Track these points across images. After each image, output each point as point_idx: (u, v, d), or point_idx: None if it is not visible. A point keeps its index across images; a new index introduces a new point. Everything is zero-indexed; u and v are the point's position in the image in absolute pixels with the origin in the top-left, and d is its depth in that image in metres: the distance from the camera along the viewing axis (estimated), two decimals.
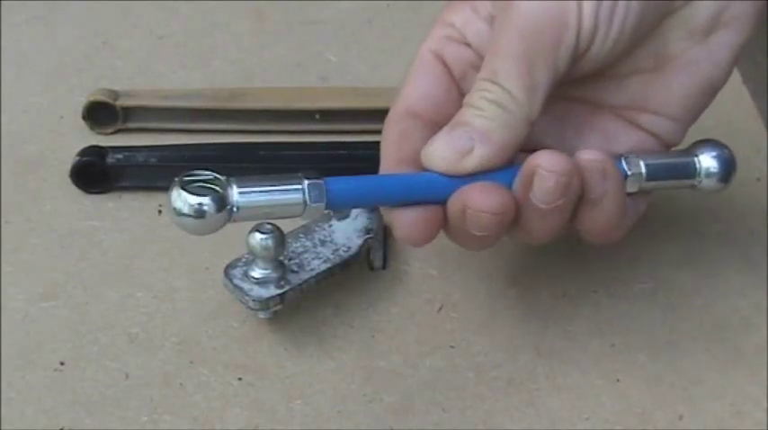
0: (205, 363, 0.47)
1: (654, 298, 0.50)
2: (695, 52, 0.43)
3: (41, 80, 0.62)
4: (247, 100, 0.59)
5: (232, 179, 0.38)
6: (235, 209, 0.38)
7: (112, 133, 0.58)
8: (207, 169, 0.38)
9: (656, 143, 0.45)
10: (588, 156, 0.42)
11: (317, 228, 0.50)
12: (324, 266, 0.48)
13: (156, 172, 0.55)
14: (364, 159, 0.55)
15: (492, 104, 0.41)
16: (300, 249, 0.48)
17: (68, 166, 0.54)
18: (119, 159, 0.54)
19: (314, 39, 0.66)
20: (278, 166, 0.54)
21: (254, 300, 0.46)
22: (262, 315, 0.47)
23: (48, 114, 0.60)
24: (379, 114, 0.59)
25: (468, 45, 0.45)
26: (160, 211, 0.54)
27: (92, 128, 0.58)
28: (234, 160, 0.55)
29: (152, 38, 0.65)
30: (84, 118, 0.58)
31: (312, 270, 0.47)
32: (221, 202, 0.38)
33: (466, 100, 0.42)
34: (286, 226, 0.47)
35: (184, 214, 0.37)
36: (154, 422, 0.44)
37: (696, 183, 0.46)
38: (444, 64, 0.45)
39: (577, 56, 0.42)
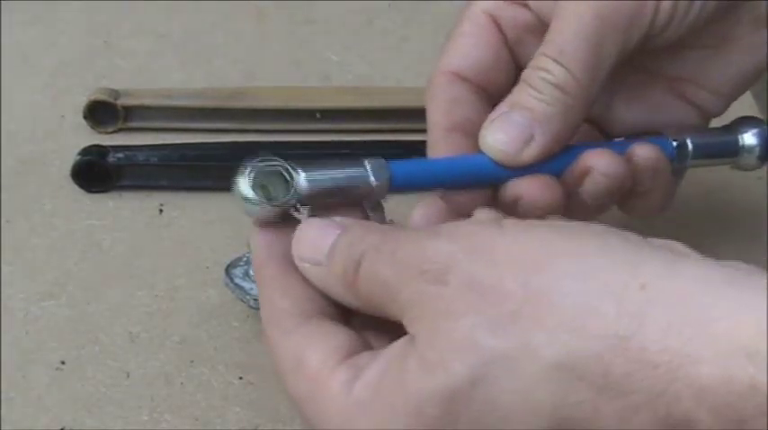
0: (206, 363, 0.47)
1: None
2: (757, 37, 0.43)
3: (42, 80, 0.62)
4: (248, 99, 0.59)
5: (298, 165, 0.38)
6: (301, 194, 0.37)
7: (113, 132, 0.58)
8: (272, 155, 0.38)
9: (698, 115, 0.45)
10: (642, 153, 0.42)
11: None
12: None
13: (156, 171, 0.55)
14: None
15: (553, 88, 0.39)
16: None
17: (69, 166, 0.54)
18: (120, 158, 0.54)
19: (315, 38, 0.66)
20: None
21: (254, 299, 0.46)
22: None
23: (48, 114, 0.60)
24: (380, 114, 0.59)
25: (526, 7, 0.43)
26: (161, 211, 0.54)
27: (93, 127, 0.58)
28: (234, 159, 0.55)
29: (153, 37, 0.65)
30: (85, 117, 0.58)
31: None
32: (288, 189, 0.37)
33: (525, 76, 0.40)
34: None
35: (250, 201, 0.37)
36: (154, 421, 0.44)
37: (737, 161, 0.46)
38: (498, 27, 0.43)
39: (648, 38, 0.41)
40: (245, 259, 0.47)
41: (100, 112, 0.58)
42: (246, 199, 0.37)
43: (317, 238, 0.36)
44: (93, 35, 0.65)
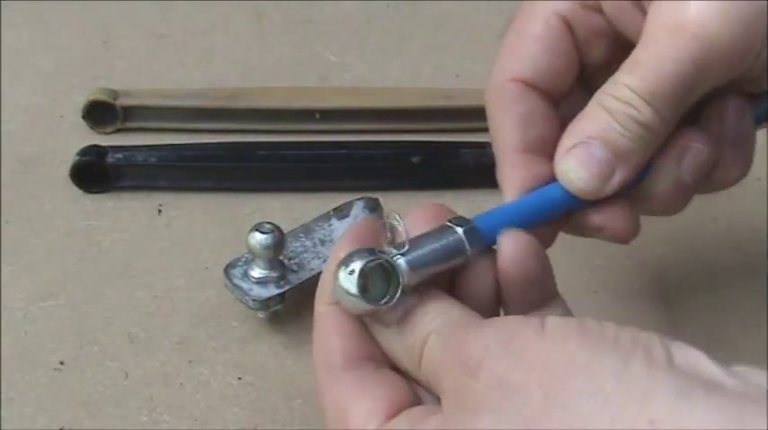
0: (205, 363, 0.47)
1: (654, 298, 0.50)
2: None
3: (41, 80, 0.62)
4: (247, 99, 0.59)
5: (398, 253, 0.36)
6: (405, 282, 0.36)
7: (112, 133, 0.58)
8: (369, 249, 0.36)
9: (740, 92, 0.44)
10: (732, 97, 0.41)
11: (316, 228, 0.50)
12: (324, 266, 0.48)
13: (155, 171, 0.55)
14: (364, 159, 0.56)
15: (640, 127, 0.38)
16: (300, 249, 0.48)
17: (68, 166, 0.54)
18: (119, 159, 0.54)
19: (313, 38, 0.66)
20: (277, 166, 0.55)
21: (253, 300, 0.46)
22: (261, 314, 0.47)
23: (48, 114, 0.60)
24: (379, 114, 0.59)
25: (599, 11, 0.41)
26: (160, 211, 0.54)
27: (92, 127, 0.58)
28: (234, 160, 0.55)
29: (152, 37, 0.65)
30: (84, 117, 0.58)
31: (312, 269, 0.47)
32: (392, 280, 0.36)
33: (607, 105, 0.39)
34: (286, 225, 0.47)
35: (355, 296, 0.35)
36: (154, 422, 0.44)
37: None
38: (571, 31, 0.41)
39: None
40: (244, 259, 0.47)
41: (99, 113, 0.58)
42: (352, 295, 0.35)
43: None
44: (93, 35, 0.65)
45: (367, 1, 0.68)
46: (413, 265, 0.35)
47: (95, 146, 0.55)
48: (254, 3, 0.68)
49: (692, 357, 0.31)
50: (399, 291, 0.35)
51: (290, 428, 0.44)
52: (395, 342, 0.36)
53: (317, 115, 0.59)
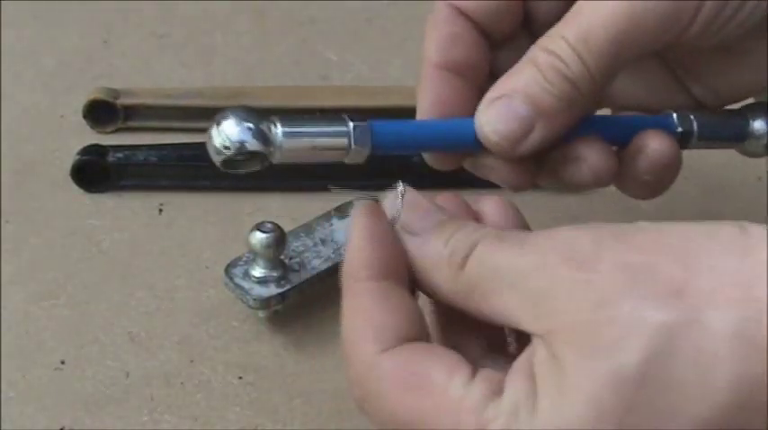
0: (205, 363, 0.47)
1: None
2: None
3: (41, 79, 0.62)
4: (248, 99, 0.59)
5: (276, 117, 0.35)
6: (278, 148, 0.35)
7: (113, 132, 0.58)
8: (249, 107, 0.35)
9: (692, 104, 0.44)
10: (656, 146, 0.40)
11: (317, 227, 0.50)
12: (325, 265, 0.48)
13: (156, 171, 0.55)
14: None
15: (566, 82, 0.37)
16: (301, 248, 0.48)
17: (69, 165, 0.54)
18: (119, 158, 0.54)
19: (314, 38, 0.66)
20: (278, 165, 0.55)
21: (254, 299, 0.46)
22: (262, 314, 0.47)
23: (48, 113, 0.60)
24: (380, 114, 0.59)
25: None
26: (161, 211, 0.54)
27: (92, 127, 0.58)
28: None
29: (152, 37, 0.65)
30: (84, 117, 0.58)
31: (313, 269, 0.47)
32: (264, 140, 0.35)
33: (537, 59, 0.38)
34: (287, 225, 0.47)
35: (224, 151, 0.34)
36: (154, 421, 0.44)
37: (744, 147, 0.44)
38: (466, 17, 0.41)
39: (679, 43, 0.39)
40: (244, 259, 0.47)
41: (99, 112, 0.58)
42: (218, 151, 0.34)
43: (422, 212, 0.35)
44: (93, 35, 0.65)
45: (367, 0, 0.68)
46: (288, 132, 0.35)
47: (96, 145, 0.55)
48: (254, 2, 0.68)
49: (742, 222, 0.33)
50: (270, 147, 0.35)
51: (290, 428, 0.44)
52: (425, 251, 0.34)
53: (318, 115, 0.59)
